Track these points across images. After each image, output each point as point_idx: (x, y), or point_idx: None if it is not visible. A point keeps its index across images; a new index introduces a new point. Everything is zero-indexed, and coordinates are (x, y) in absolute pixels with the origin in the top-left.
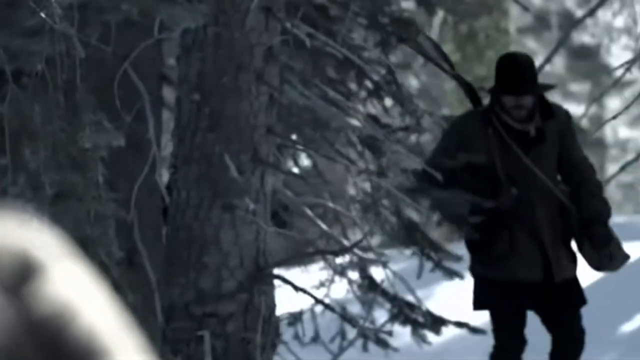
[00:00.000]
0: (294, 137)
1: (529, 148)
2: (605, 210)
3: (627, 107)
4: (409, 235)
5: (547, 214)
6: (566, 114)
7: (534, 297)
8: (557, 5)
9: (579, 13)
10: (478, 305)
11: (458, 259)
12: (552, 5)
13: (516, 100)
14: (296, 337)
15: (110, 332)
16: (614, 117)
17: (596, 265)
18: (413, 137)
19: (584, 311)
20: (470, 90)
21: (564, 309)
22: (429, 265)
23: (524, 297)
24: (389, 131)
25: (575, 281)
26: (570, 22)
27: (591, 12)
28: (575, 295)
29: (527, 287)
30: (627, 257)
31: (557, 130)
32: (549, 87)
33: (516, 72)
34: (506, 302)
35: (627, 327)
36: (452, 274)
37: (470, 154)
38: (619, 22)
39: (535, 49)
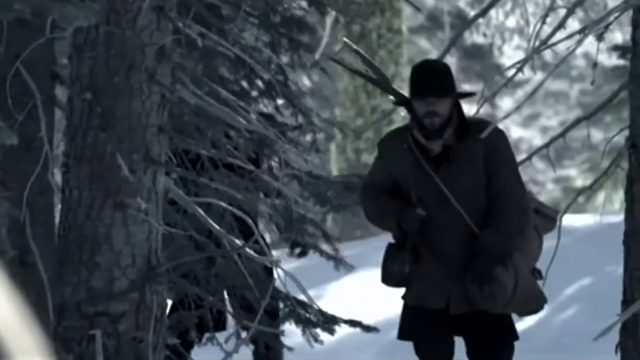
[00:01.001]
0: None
1: (438, 167)
2: (496, 244)
3: (518, 107)
4: (299, 233)
5: (456, 239)
6: (497, 135)
7: (447, 324)
8: (449, 5)
9: (472, 13)
10: (399, 334)
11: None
12: (444, 5)
13: (427, 105)
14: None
15: (7, 332)
16: (506, 117)
17: (476, 301)
18: (309, 137)
19: None
20: (402, 102)
21: (480, 341)
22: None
23: (434, 324)
24: (282, 130)
25: (486, 314)
26: (462, 22)
27: (484, 12)
28: (488, 330)
29: (437, 313)
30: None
31: (479, 151)
32: (466, 94)
33: (425, 73)
34: (417, 329)
35: None
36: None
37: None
38: (511, 22)
39: (427, 48)
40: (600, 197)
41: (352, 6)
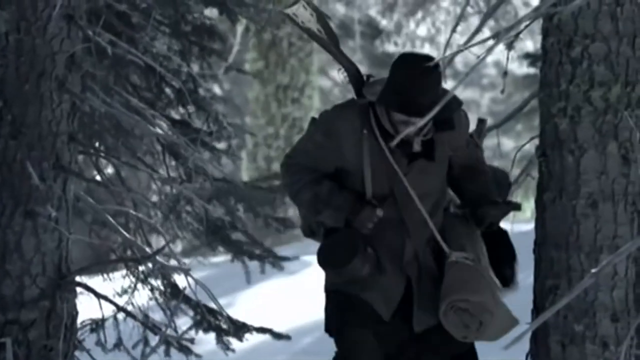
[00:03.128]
0: (96, 144)
1: (410, 162)
2: (501, 215)
3: (429, 116)
4: (218, 239)
5: (422, 246)
6: (465, 120)
7: (400, 342)
8: (359, 14)
9: (383, 22)
10: (329, 324)
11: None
12: (354, 14)
13: (408, 119)
14: (99, 343)
15: None
16: (417, 126)
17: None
18: (222, 144)
19: None
20: (354, 74)
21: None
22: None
23: (385, 343)
24: (193, 138)
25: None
26: (373, 31)
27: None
28: (448, 347)
29: (389, 328)
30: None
31: (449, 142)
32: (456, 105)
33: (415, 87)
34: (356, 321)
35: None
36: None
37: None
38: (422, 30)
39: None
40: None
41: (262, 14)
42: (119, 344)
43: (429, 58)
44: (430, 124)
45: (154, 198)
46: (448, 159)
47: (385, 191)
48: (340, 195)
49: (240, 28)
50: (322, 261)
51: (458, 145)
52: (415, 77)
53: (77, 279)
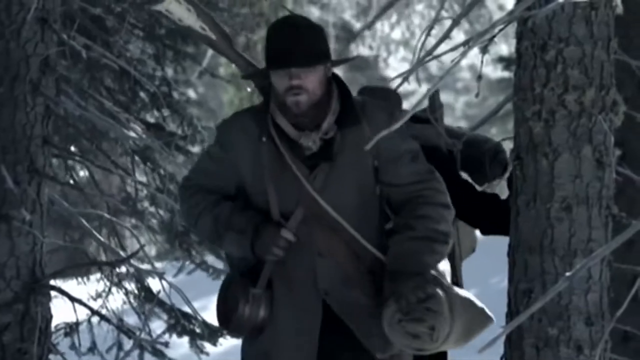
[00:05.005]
0: (70, 148)
1: (313, 169)
2: (418, 253)
3: (404, 119)
4: (180, 243)
5: (338, 273)
6: (390, 116)
7: None
8: (334, 17)
9: (357, 25)
10: None
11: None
12: (329, 17)
13: (290, 78)
14: (73, 347)
15: None
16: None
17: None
18: (197, 148)
19: None
20: (256, 74)
21: None
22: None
23: None
24: (168, 141)
25: None
26: (348, 35)
27: (370, 25)
28: None
29: None
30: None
31: (376, 150)
32: (342, 60)
33: (286, 33)
34: None
35: None
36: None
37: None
38: (397, 34)
39: None
40: None
41: (237, 18)
42: (93, 348)
43: (304, 19)
44: (332, 121)
45: (128, 202)
46: (373, 166)
47: (290, 206)
48: (242, 215)
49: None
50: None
51: (381, 153)
52: (285, 23)
53: (52, 282)
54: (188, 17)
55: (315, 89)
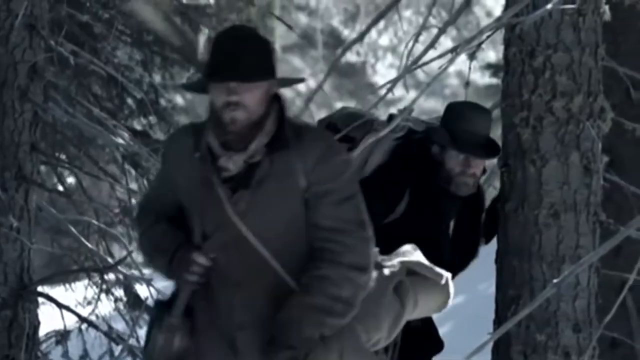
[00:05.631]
0: (58, 154)
1: (234, 192)
2: (309, 313)
3: (391, 127)
4: None
5: (256, 302)
6: (327, 147)
7: None
8: (322, 24)
9: (345, 32)
10: None
11: None
12: (317, 24)
13: (228, 93)
14: (65, 355)
15: None
16: (379, 137)
17: None
18: None
19: None
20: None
21: None
22: None
23: None
24: (155, 148)
25: None
26: (336, 41)
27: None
28: None
29: None
30: None
31: (302, 170)
32: (289, 80)
33: (228, 45)
34: None
35: None
36: None
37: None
38: (384, 40)
39: (300, 67)
40: None
41: (225, 24)
42: (84, 356)
43: (252, 30)
44: (262, 144)
45: (116, 209)
46: (303, 197)
47: (215, 229)
48: (170, 237)
49: (202, 38)
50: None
51: (313, 184)
52: (228, 35)
53: (39, 289)
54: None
55: (255, 106)
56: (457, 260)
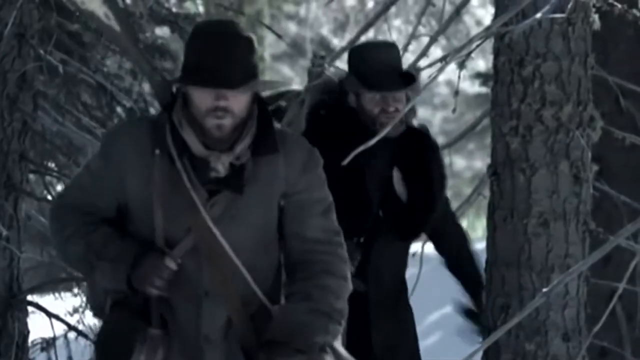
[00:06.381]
0: (47, 163)
1: (213, 195)
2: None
3: (381, 134)
4: None
5: (224, 313)
6: (310, 154)
7: None
8: (312, 33)
9: (335, 41)
10: None
11: None
12: (306, 33)
13: (216, 98)
14: None
15: None
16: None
17: None
18: None
19: None
20: (160, 83)
21: None
22: None
23: None
24: None
25: None
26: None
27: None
28: None
29: None
30: None
31: (284, 176)
32: (269, 83)
33: (216, 48)
34: None
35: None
36: None
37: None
38: None
39: (290, 75)
40: (463, 224)
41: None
42: None
43: (233, 25)
44: (247, 146)
45: None
46: (279, 205)
47: (178, 234)
48: (120, 242)
49: None
50: None
51: (292, 194)
52: (214, 34)
53: (29, 297)
54: (91, 1)
55: (242, 111)
56: (412, 214)
